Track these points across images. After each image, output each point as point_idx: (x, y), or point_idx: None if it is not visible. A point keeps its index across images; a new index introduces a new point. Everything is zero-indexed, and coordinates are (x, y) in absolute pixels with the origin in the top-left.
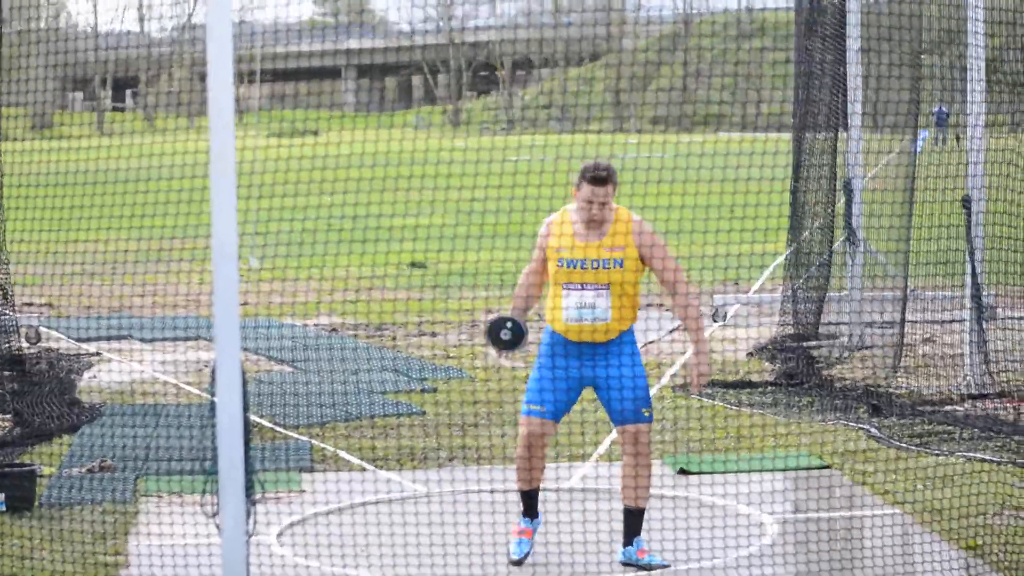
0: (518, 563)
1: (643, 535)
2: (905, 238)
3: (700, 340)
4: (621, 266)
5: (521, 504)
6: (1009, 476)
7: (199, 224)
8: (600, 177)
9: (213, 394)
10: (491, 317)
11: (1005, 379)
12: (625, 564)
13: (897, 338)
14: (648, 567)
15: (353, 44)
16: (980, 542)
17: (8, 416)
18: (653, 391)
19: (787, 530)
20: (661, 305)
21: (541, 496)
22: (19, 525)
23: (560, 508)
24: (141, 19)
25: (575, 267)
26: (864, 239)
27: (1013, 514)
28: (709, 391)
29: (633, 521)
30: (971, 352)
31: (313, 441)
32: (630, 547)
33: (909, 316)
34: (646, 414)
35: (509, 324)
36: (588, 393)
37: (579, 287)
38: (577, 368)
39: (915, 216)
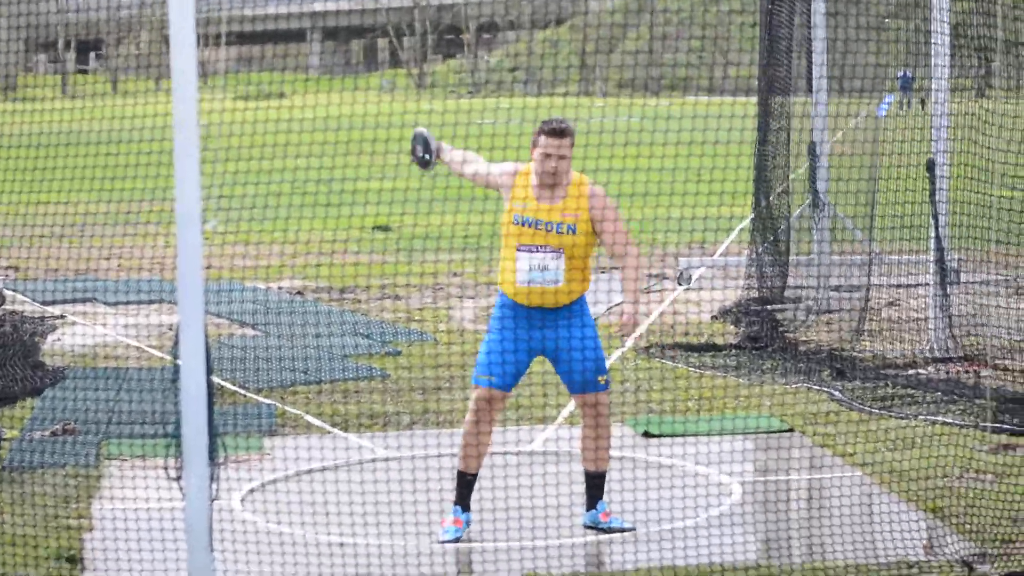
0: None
1: (606, 498)
2: (870, 202)
3: (634, 291)
4: (574, 232)
5: (455, 492)
6: (971, 439)
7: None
8: (558, 129)
9: (177, 357)
10: (417, 129)
11: (968, 343)
12: (588, 527)
13: (861, 302)
14: (610, 530)
15: (319, 6)
16: (942, 504)
17: None
18: (616, 354)
19: (750, 492)
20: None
21: (503, 460)
22: None
23: (522, 472)
24: None
25: (530, 226)
26: (830, 203)
27: (975, 477)
28: (672, 353)
29: (595, 485)
30: (935, 316)
31: (277, 404)
32: (594, 511)
33: (874, 280)
34: (602, 382)
35: (423, 147)
36: (541, 363)
37: (533, 248)
38: (526, 338)
39: (880, 180)
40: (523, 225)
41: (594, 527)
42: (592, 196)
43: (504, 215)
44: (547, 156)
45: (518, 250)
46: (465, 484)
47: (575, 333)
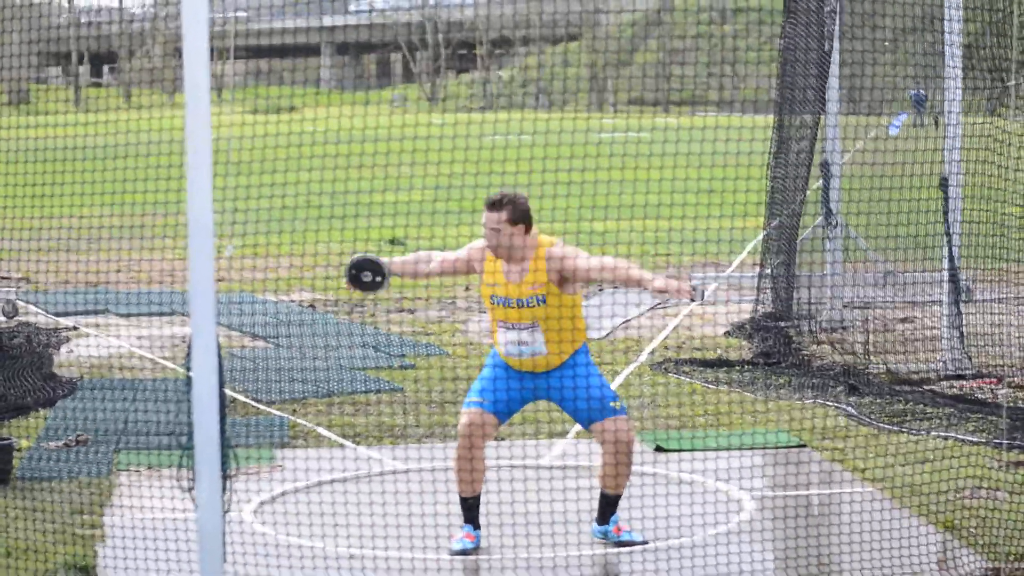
0: (462, 553)
1: (620, 513)
2: (883, 220)
3: (641, 272)
4: (544, 303)
5: (462, 515)
6: (984, 456)
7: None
8: (491, 201)
9: (189, 369)
10: (355, 256)
11: (982, 360)
12: (597, 540)
13: (874, 319)
14: (621, 543)
15: (331, 21)
16: (954, 520)
17: None
18: (630, 368)
19: (763, 507)
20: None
21: (521, 473)
22: None
23: (529, 487)
24: None
25: (502, 305)
26: (843, 222)
27: (988, 493)
28: (685, 368)
29: (608, 504)
30: (948, 333)
31: (290, 417)
32: (606, 525)
33: (887, 297)
34: (616, 406)
35: (372, 270)
36: None
37: (510, 326)
38: (518, 387)
39: (893, 198)
40: (498, 305)
41: (603, 539)
42: (549, 259)
43: (482, 287)
44: (486, 230)
45: (499, 324)
46: (468, 507)
47: (567, 373)
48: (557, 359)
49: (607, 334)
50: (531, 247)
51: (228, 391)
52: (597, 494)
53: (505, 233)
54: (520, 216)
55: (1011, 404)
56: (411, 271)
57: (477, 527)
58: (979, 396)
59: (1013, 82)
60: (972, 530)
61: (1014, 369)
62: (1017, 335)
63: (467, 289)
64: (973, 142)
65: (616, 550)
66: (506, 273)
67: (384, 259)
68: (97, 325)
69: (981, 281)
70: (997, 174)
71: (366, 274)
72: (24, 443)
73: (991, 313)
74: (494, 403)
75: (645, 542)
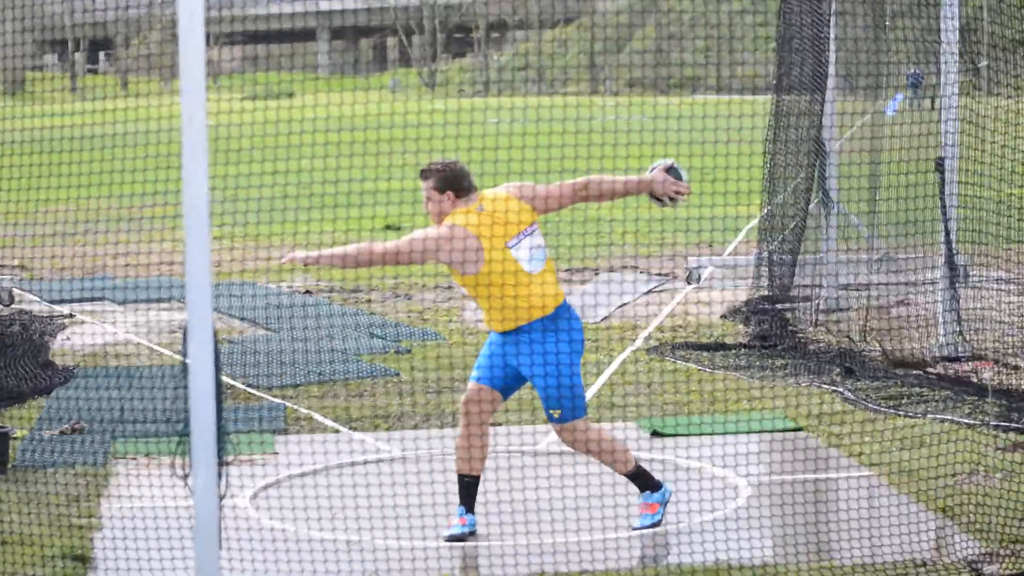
0: (456, 539)
1: (620, 496)
2: (879, 200)
3: (629, 180)
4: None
5: (462, 500)
6: (981, 438)
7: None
8: (422, 171)
9: (186, 356)
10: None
11: (978, 341)
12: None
13: (869, 302)
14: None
15: (327, 5)
16: (952, 504)
17: None
18: (626, 353)
19: (760, 492)
20: (636, 268)
21: (519, 461)
22: None
23: (526, 473)
24: None
25: (514, 238)
26: (839, 202)
27: (985, 476)
28: (681, 352)
29: (634, 480)
30: (944, 314)
31: (287, 403)
32: (659, 491)
33: (883, 278)
34: (555, 415)
35: None
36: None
37: (520, 236)
38: (500, 352)
39: (889, 178)
40: (514, 242)
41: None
42: (518, 193)
43: (497, 253)
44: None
45: (512, 249)
46: (464, 485)
47: (531, 341)
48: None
49: (604, 317)
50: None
51: (225, 378)
52: (592, 479)
53: (434, 200)
54: (443, 183)
55: (999, 387)
56: (352, 259)
57: (472, 511)
58: (974, 379)
59: (984, 63)
60: (968, 514)
61: (1010, 350)
62: (1014, 315)
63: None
64: (969, 119)
65: (611, 536)
66: (492, 225)
67: (311, 255)
68: (93, 312)
69: (977, 261)
70: (993, 153)
71: None
72: (20, 431)
73: (988, 295)
74: (490, 377)
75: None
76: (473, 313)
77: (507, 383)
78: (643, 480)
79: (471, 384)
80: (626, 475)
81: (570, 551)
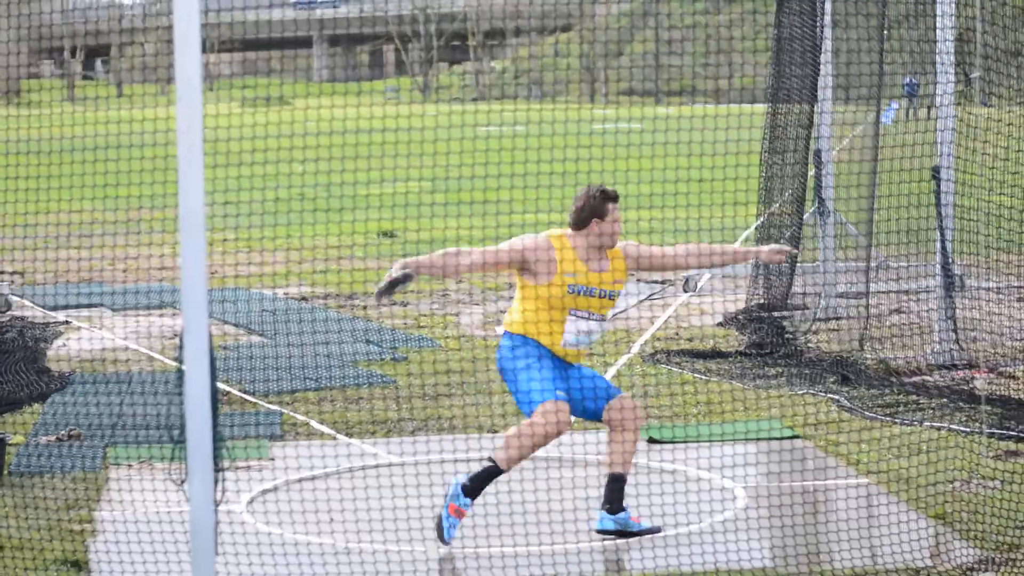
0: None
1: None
2: (874, 208)
3: (738, 251)
4: (613, 297)
5: (473, 482)
6: (977, 446)
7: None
8: (616, 195)
9: (182, 362)
10: (385, 284)
11: (974, 349)
12: (602, 532)
13: (867, 309)
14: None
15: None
16: (948, 511)
17: None
18: (623, 360)
19: (757, 499)
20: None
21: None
22: None
23: (525, 477)
24: None
25: (584, 294)
26: (835, 210)
27: (980, 483)
28: (677, 359)
29: (616, 488)
30: (940, 322)
31: (283, 410)
32: (620, 513)
33: (879, 286)
34: (617, 386)
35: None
36: None
37: (588, 315)
38: (562, 378)
39: (885, 187)
40: (576, 294)
41: (610, 531)
42: (626, 257)
43: (555, 278)
44: (613, 222)
45: (570, 314)
46: (492, 478)
47: (580, 368)
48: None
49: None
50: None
51: (220, 384)
52: (590, 484)
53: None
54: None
55: (994, 395)
56: (440, 265)
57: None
58: (970, 386)
59: (976, 73)
60: (964, 521)
61: (1006, 358)
62: (1009, 324)
63: (460, 282)
64: (964, 128)
65: (610, 543)
66: (586, 261)
67: (409, 260)
68: (89, 319)
69: (972, 269)
70: (988, 163)
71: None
72: (17, 438)
73: (983, 302)
74: (567, 391)
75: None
76: (468, 319)
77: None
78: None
79: (561, 402)
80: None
81: (570, 558)
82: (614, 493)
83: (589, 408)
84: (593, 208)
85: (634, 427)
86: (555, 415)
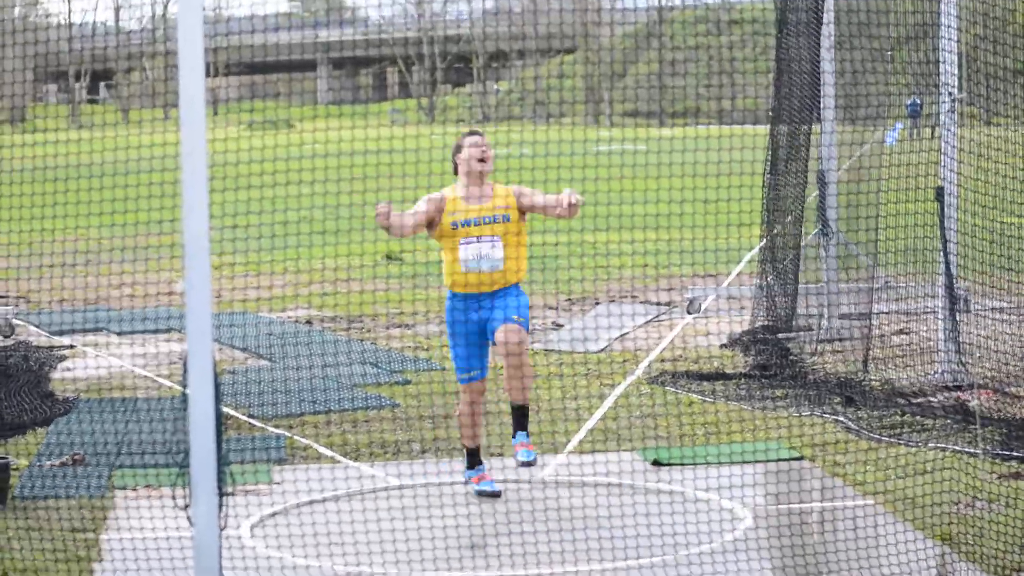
0: (496, 495)
1: (621, 524)
2: (878, 229)
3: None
4: (508, 220)
5: (467, 460)
6: (981, 467)
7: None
8: (474, 130)
9: (185, 387)
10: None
11: (978, 370)
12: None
13: (869, 330)
14: (521, 462)
15: (327, 36)
16: (952, 532)
17: None
18: (627, 382)
19: (762, 521)
20: (636, 298)
21: (515, 487)
22: None
23: (523, 498)
24: (116, 10)
25: (465, 225)
26: (839, 231)
27: (985, 505)
28: (681, 382)
29: (520, 415)
30: (945, 343)
31: (287, 434)
32: (515, 437)
33: (883, 307)
34: (517, 319)
35: None
36: (549, 391)
37: (474, 239)
38: (476, 320)
39: (889, 207)
40: (460, 227)
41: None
42: (517, 194)
43: (441, 227)
44: (480, 151)
45: (460, 243)
46: (472, 454)
47: (506, 291)
48: (512, 276)
49: (605, 347)
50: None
51: (225, 408)
52: (591, 512)
53: (491, 153)
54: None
55: (999, 415)
56: (397, 225)
57: (481, 463)
58: (975, 407)
59: (963, 94)
60: (969, 542)
61: (1010, 378)
62: (1014, 344)
63: None
64: (968, 149)
65: (608, 565)
66: (466, 199)
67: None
68: (94, 344)
69: (977, 290)
70: (992, 182)
71: None
72: (21, 463)
73: (988, 323)
74: (481, 368)
75: (532, 463)
76: None
77: (488, 359)
78: (525, 419)
79: (475, 383)
80: (524, 405)
81: None
82: (516, 419)
83: (496, 320)
84: (455, 152)
85: (517, 351)
86: (468, 395)
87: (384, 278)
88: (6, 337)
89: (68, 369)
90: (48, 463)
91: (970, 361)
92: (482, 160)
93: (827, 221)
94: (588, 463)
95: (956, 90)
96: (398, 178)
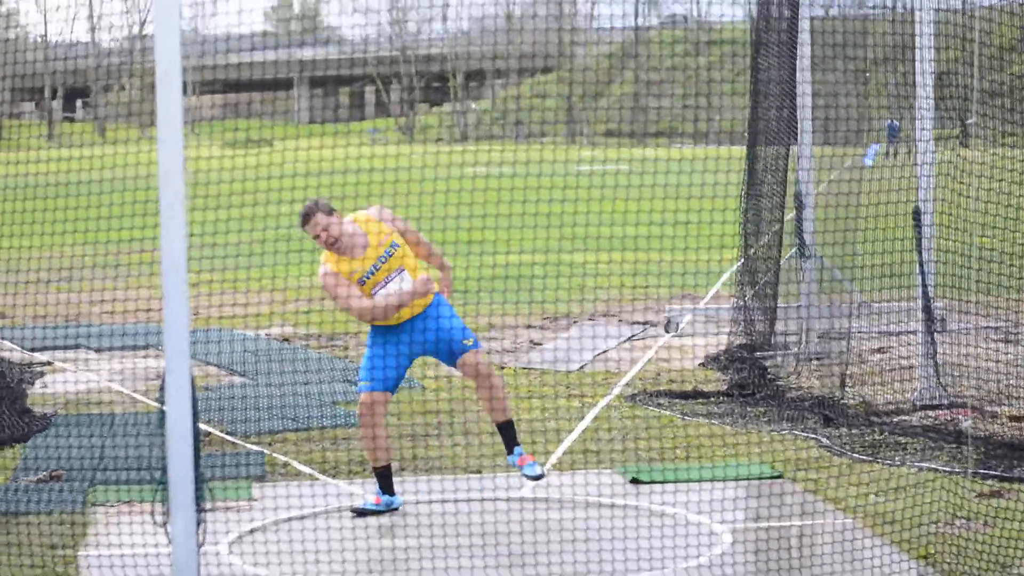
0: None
1: (600, 543)
2: (856, 250)
3: (445, 264)
4: (397, 247)
5: (379, 485)
6: (960, 485)
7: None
8: (304, 214)
9: (163, 403)
10: None
11: (956, 390)
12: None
13: (847, 350)
14: (526, 476)
15: (306, 55)
16: (932, 551)
17: None
18: (605, 400)
19: (740, 539)
20: (614, 316)
21: (493, 506)
22: None
23: (511, 518)
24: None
25: (371, 275)
26: (818, 254)
27: (964, 523)
28: (659, 400)
29: (507, 433)
30: (922, 363)
31: (265, 451)
32: (512, 455)
33: (861, 327)
34: (469, 343)
35: None
36: (529, 411)
37: (384, 282)
38: (408, 341)
39: (866, 228)
40: (367, 280)
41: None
42: (381, 220)
43: (348, 288)
44: (317, 237)
45: (373, 292)
46: (385, 476)
47: (436, 315)
48: (421, 300)
49: (583, 366)
50: (351, 224)
51: (203, 425)
52: (569, 530)
53: (334, 225)
54: (328, 208)
55: (976, 435)
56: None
57: (392, 493)
58: (952, 426)
59: (972, 120)
60: (948, 561)
61: (987, 398)
62: (990, 364)
63: None
64: (944, 170)
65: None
66: (351, 258)
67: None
68: (72, 360)
69: (953, 310)
70: (967, 204)
71: None
72: None
73: (965, 344)
74: (383, 380)
75: (541, 476)
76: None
77: (400, 379)
78: (513, 435)
79: (365, 393)
80: (507, 421)
81: None
82: (505, 438)
83: (453, 352)
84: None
85: (486, 372)
86: (369, 406)
87: None
88: None
89: (46, 385)
90: (26, 479)
91: (948, 381)
92: (330, 243)
93: (804, 241)
94: (567, 482)
95: (967, 114)
96: (376, 198)
